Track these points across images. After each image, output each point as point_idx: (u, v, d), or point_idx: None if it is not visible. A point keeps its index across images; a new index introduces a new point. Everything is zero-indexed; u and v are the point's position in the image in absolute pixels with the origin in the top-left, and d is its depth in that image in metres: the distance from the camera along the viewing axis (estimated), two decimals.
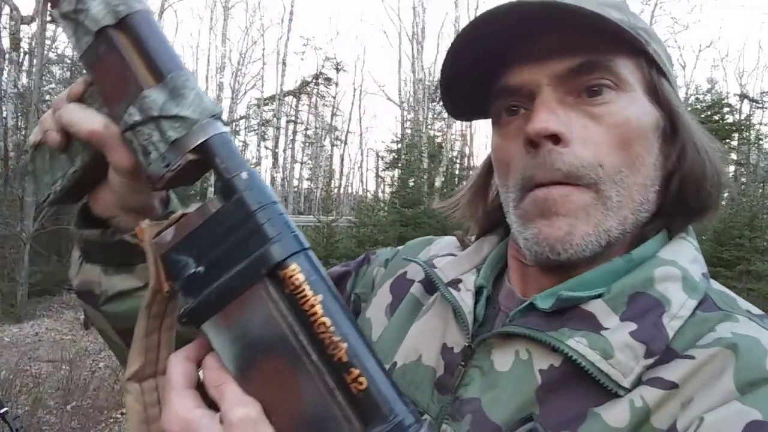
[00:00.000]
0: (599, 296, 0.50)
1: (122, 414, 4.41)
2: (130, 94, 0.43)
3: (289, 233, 0.39)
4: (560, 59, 0.50)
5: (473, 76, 0.54)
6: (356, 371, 0.37)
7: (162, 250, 0.40)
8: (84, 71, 0.48)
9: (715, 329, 0.47)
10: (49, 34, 10.33)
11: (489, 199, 0.64)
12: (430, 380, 0.56)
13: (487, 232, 0.65)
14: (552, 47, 0.50)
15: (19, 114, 9.81)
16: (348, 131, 28.69)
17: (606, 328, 0.48)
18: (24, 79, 11.17)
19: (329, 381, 0.37)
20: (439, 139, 17.64)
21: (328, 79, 27.48)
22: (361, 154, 32.08)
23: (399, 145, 18.79)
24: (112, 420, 4.31)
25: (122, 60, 0.43)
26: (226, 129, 0.43)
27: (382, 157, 23.56)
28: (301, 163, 28.47)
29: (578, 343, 0.47)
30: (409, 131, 19.01)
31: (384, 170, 22.52)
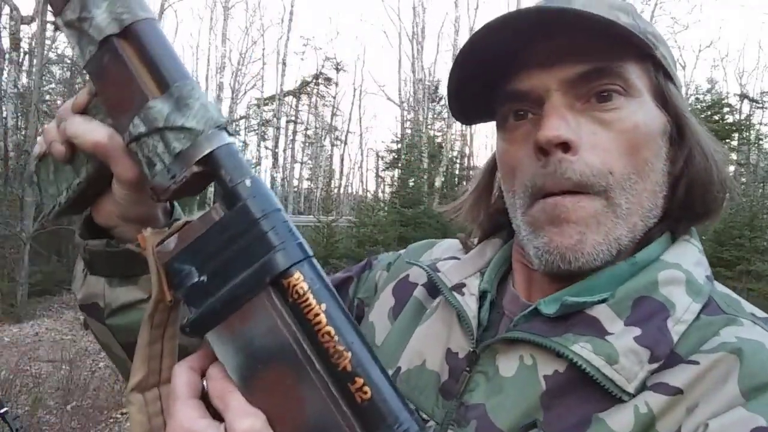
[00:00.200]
0: (603, 301, 0.49)
1: (122, 414, 4.41)
2: (135, 105, 0.42)
3: (293, 241, 0.38)
4: (570, 64, 0.49)
5: (481, 80, 0.54)
6: (361, 380, 0.36)
7: (165, 258, 0.40)
8: (86, 76, 0.47)
9: (720, 333, 0.46)
10: (49, 34, 10.32)
11: (491, 202, 0.64)
12: (435, 385, 0.56)
13: (490, 235, 0.64)
14: (561, 52, 0.50)
15: (19, 114, 9.81)
16: (348, 131, 28.72)
17: (610, 333, 0.47)
18: (24, 79, 11.18)
19: (333, 390, 0.37)
20: (439, 139, 17.64)
21: (328, 79, 27.49)
22: (361, 154, 32.11)
23: (399, 145, 18.79)
24: (112, 420, 4.31)
25: (127, 70, 0.43)
26: (232, 140, 0.43)
27: (382, 157, 23.58)
28: (301, 163, 28.48)
29: (583, 349, 0.47)
30: (409, 131, 19.01)
31: (384, 170, 22.54)
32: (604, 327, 0.48)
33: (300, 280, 0.37)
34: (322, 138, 27.07)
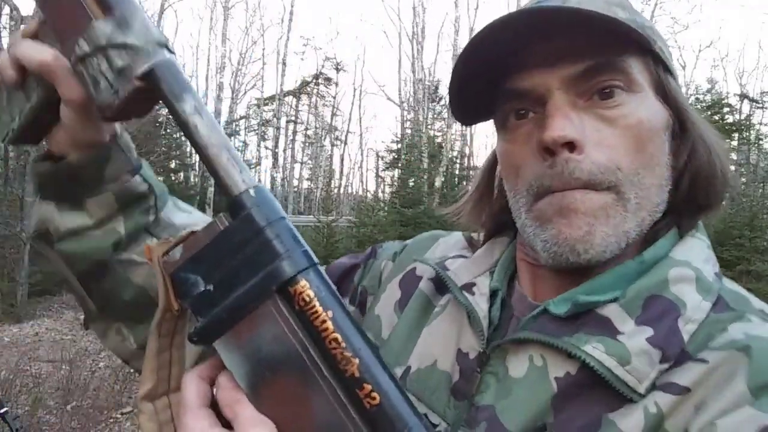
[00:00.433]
0: (614, 300, 0.49)
1: (122, 414, 4.41)
2: (80, 28, 0.44)
3: (298, 249, 0.39)
4: (571, 62, 0.49)
5: (482, 81, 0.53)
6: (369, 386, 0.37)
7: (171, 268, 0.40)
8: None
9: (728, 330, 0.46)
10: None
11: (492, 202, 0.63)
12: (446, 386, 0.55)
13: (496, 234, 0.64)
14: (562, 51, 0.49)
15: None
16: (348, 131, 28.71)
17: (622, 333, 0.47)
18: None
19: (342, 397, 0.37)
20: (439, 139, 17.63)
21: (328, 79, 27.48)
22: (361, 154, 32.09)
23: (399, 145, 18.78)
24: (112, 420, 4.31)
25: None
26: (173, 56, 0.44)
27: (382, 157, 23.57)
28: (301, 163, 28.47)
29: (595, 349, 0.47)
30: (409, 131, 19.01)
31: (384, 170, 22.52)
32: (616, 327, 0.48)
33: (306, 287, 0.38)
34: (322, 138, 27.07)
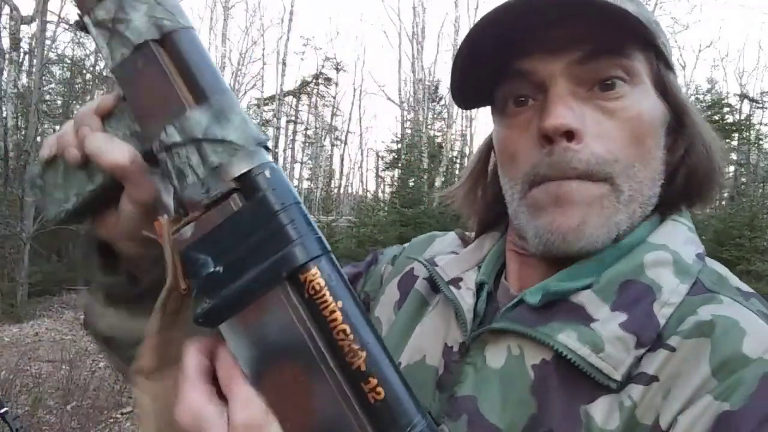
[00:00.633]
0: (589, 287, 0.49)
1: (122, 414, 4.41)
2: (168, 113, 0.41)
3: (311, 236, 0.38)
4: (575, 49, 0.49)
5: (484, 66, 0.53)
6: (375, 381, 0.36)
7: (181, 247, 0.39)
8: (116, 84, 0.44)
9: (697, 312, 0.46)
10: (49, 34, 10.33)
11: (486, 188, 0.63)
12: (433, 380, 0.56)
13: (488, 227, 0.64)
14: (566, 38, 0.49)
15: (19, 114, 9.81)
16: (348, 131, 28.70)
17: (596, 320, 0.47)
18: (24, 79, 11.18)
19: (346, 389, 0.36)
20: (439, 139, 17.64)
21: (328, 79, 27.47)
22: (361, 154, 32.11)
23: (399, 145, 18.79)
24: (112, 420, 4.31)
25: (164, 76, 0.41)
26: (271, 160, 0.41)
27: (382, 157, 23.58)
28: (301, 163, 28.47)
29: (568, 338, 0.47)
30: (409, 131, 19.00)
31: (384, 170, 22.54)
32: (589, 314, 0.48)
33: (317, 275, 0.37)
34: (322, 138, 27.07)
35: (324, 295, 0.37)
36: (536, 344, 0.49)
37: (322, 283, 0.37)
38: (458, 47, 0.52)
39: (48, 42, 11.07)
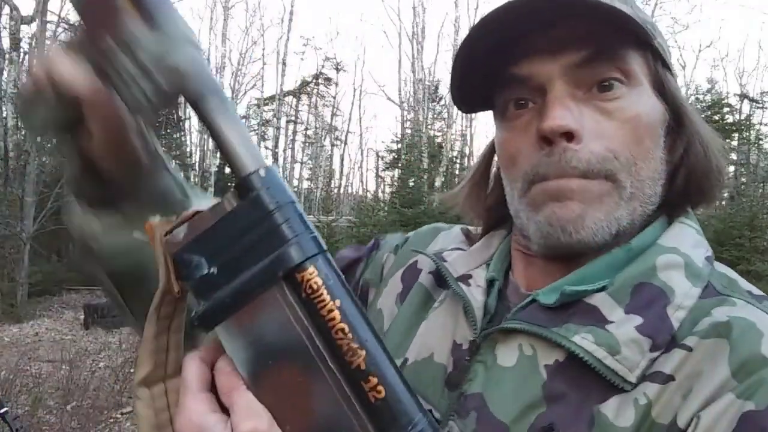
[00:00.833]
0: (602, 289, 0.50)
1: (122, 414, 4.41)
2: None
3: (307, 235, 0.37)
4: (572, 51, 0.50)
5: (483, 68, 0.54)
6: (375, 380, 0.36)
7: (173, 248, 0.38)
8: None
9: (711, 313, 0.46)
10: (49, 34, 10.32)
11: (488, 191, 0.64)
12: (441, 378, 0.55)
13: (493, 228, 0.64)
14: (563, 40, 0.50)
15: (19, 114, 9.80)
16: (348, 131, 28.70)
17: (611, 322, 0.47)
18: (24, 79, 11.14)
19: (346, 389, 0.36)
20: (439, 139, 17.65)
21: (328, 79, 27.47)
22: (361, 154, 32.12)
23: (399, 145, 18.79)
24: (112, 420, 4.31)
25: None
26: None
27: (382, 157, 23.57)
28: (301, 163, 28.47)
29: (584, 340, 0.47)
30: (409, 131, 19.00)
31: (384, 170, 22.53)
32: (605, 316, 0.48)
33: (314, 274, 0.36)
34: (322, 138, 27.07)
35: (321, 294, 0.36)
36: (549, 345, 0.49)
37: (320, 282, 0.36)
38: (457, 50, 0.53)
39: (48, 42, 11.07)
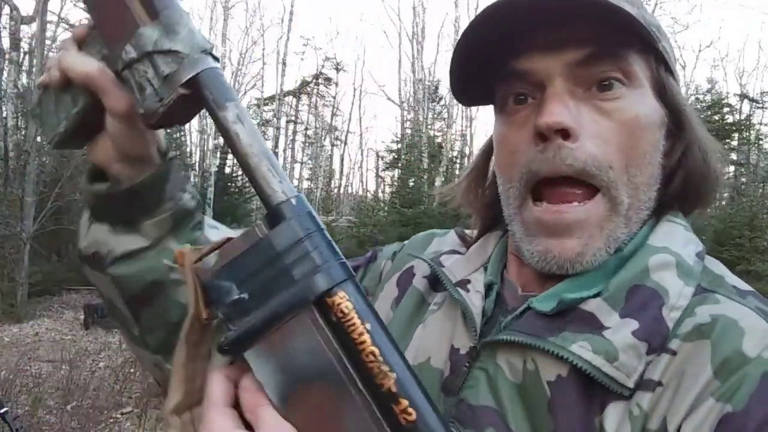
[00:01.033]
0: (597, 295, 0.49)
1: (122, 414, 4.41)
2: (128, 33, 0.44)
3: (335, 261, 0.38)
4: (574, 49, 0.49)
5: (484, 61, 0.53)
6: (405, 402, 0.36)
7: (205, 275, 0.39)
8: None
9: (695, 313, 0.46)
10: (49, 34, 10.32)
11: (486, 186, 0.64)
12: (438, 382, 0.55)
13: (489, 227, 0.64)
14: (566, 37, 0.49)
15: (19, 114, 9.81)
16: (348, 131, 28.69)
17: (607, 328, 0.47)
18: (24, 79, 11.17)
19: (377, 412, 0.36)
20: (439, 139, 17.64)
21: (328, 79, 27.45)
22: (361, 154, 32.10)
23: (399, 145, 18.79)
24: (112, 420, 4.31)
25: (120, 0, 0.45)
26: (217, 64, 0.44)
27: (382, 157, 23.57)
28: (301, 163, 28.44)
29: (582, 348, 0.46)
30: (409, 131, 19.00)
31: (384, 170, 22.53)
32: (601, 322, 0.48)
33: (344, 299, 0.37)
34: (322, 138, 27.05)
35: (352, 318, 0.37)
36: (549, 357, 0.48)
37: (350, 306, 0.37)
38: (456, 41, 0.52)
39: (48, 42, 11.07)
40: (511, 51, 0.52)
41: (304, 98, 27.48)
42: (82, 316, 7.71)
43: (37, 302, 8.63)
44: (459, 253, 0.64)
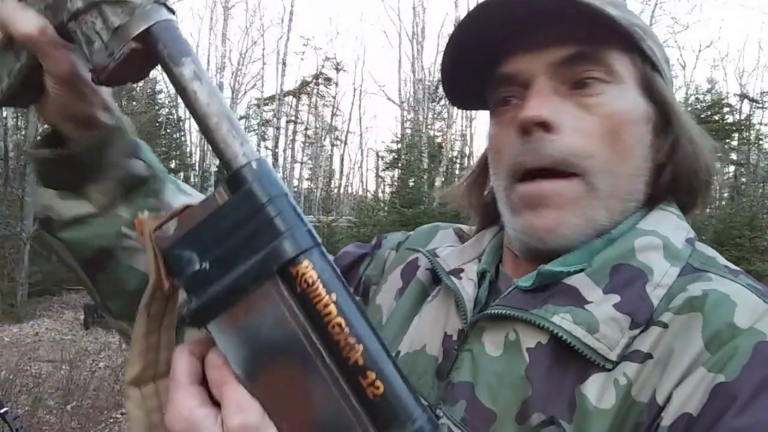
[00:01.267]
0: (581, 271, 0.50)
1: (122, 414, 4.41)
2: None
3: (301, 228, 0.36)
4: (556, 49, 0.52)
5: (474, 64, 0.56)
6: (373, 375, 0.35)
7: (164, 244, 0.37)
8: None
9: (687, 289, 0.47)
10: None
11: (486, 187, 0.65)
12: (433, 369, 0.56)
13: (487, 225, 0.65)
14: (549, 38, 0.52)
15: (19, 114, 9.81)
16: (348, 131, 28.69)
17: (590, 302, 0.48)
18: None
19: (344, 385, 0.35)
20: (439, 139, 17.64)
21: (328, 79, 27.45)
22: (361, 154, 32.10)
23: (399, 145, 18.80)
24: (112, 420, 4.31)
25: None
26: (172, 16, 0.41)
27: (382, 157, 23.58)
28: (301, 163, 28.46)
29: (563, 320, 0.48)
30: (409, 131, 19.01)
31: (384, 170, 22.54)
32: (583, 296, 0.49)
33: (309, 268, 0.35)
34: (322, 138, 27.06)
35: (317, 288, 0.35)
36: (532, 327, 0.49)
37: (315, 276, 0.35)
38: (445, 47, 0.55)
39: None
40: (497, 55, 0.54)
41: (304, 98, 27.49)
42: (82, 316, 7.71)
43: (37, 302, 8.63)
44: (456, 246, 0.66)
